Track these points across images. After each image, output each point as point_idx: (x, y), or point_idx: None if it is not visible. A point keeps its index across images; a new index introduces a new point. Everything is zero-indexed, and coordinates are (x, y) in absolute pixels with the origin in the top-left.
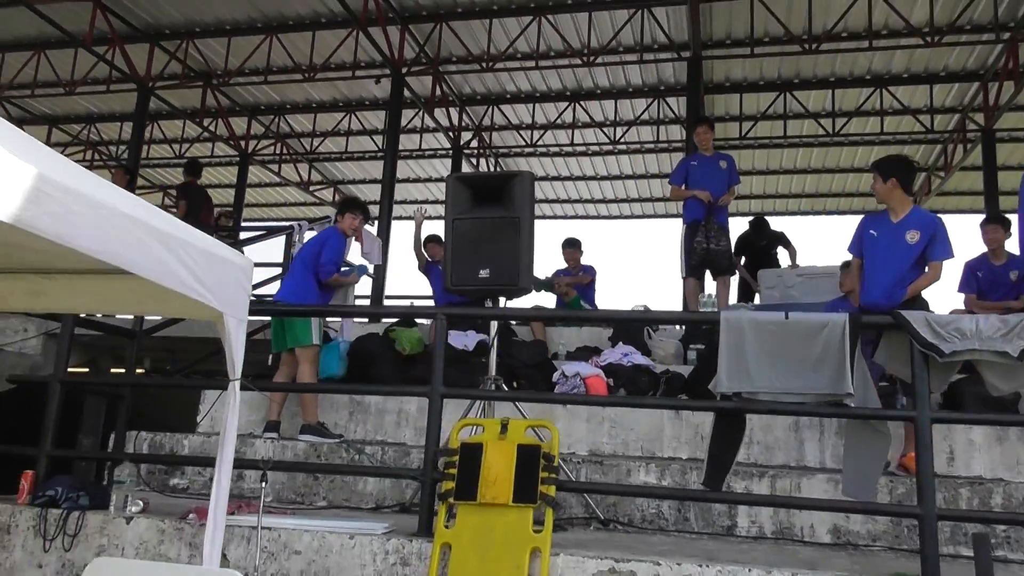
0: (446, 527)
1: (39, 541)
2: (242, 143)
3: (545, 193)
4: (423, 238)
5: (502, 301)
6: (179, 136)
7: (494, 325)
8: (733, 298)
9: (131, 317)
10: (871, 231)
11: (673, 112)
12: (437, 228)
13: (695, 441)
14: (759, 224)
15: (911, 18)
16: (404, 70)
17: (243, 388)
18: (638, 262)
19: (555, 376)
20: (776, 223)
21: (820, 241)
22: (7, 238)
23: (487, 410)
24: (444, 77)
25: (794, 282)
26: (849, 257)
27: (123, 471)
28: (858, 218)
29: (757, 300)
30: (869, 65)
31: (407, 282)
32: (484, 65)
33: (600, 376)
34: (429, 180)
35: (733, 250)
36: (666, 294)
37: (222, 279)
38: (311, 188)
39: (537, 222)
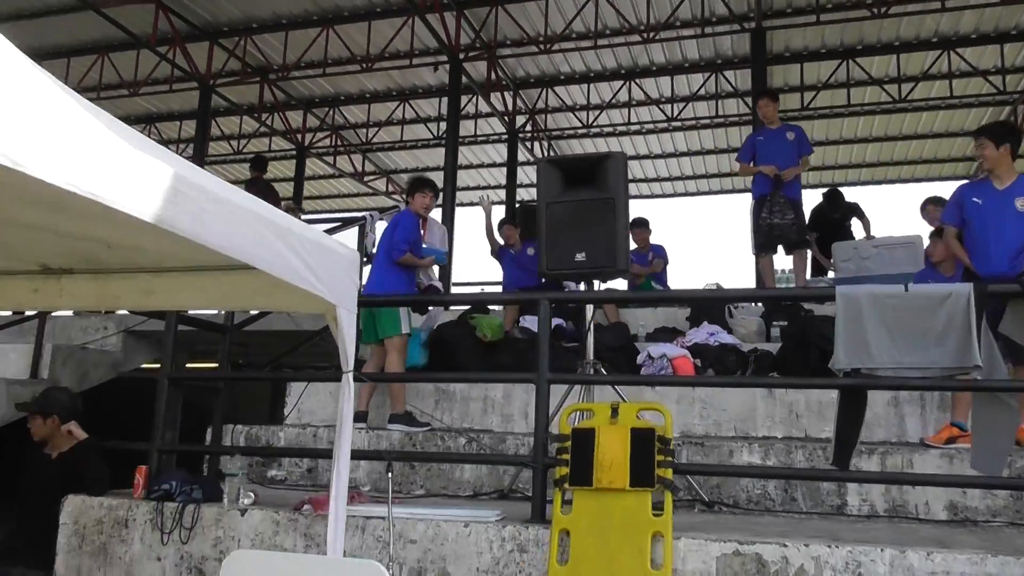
0: (562, 513)
1: (157, 534)
2: (298, 136)
3: None
4: (495, 223)
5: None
6: (236, 132)
7: (590, 309)
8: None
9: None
10: (974, 199)
11: (732, 85)
12: (498, 213)
13: (789, 420)
14: (833, 196)
15: None
16: (461, 56)
17: (356, 380)
18: (702, 239)
19: (640, 358)
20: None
21: (885, 210)
22: (123, 240)
23: (585, 394)
24: (498, 61)
25: (870, 253)
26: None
27: (234, 464)
28: (923, 186)
29: (830, 275)
30: (936, 27)
31: (473, 268)
32: (542, 47)
33: (687, 357)
34: (482, 166)
35: (807, 223)
36: (736, 270)
37: (333, 271)
38: (365, 178)
39: None
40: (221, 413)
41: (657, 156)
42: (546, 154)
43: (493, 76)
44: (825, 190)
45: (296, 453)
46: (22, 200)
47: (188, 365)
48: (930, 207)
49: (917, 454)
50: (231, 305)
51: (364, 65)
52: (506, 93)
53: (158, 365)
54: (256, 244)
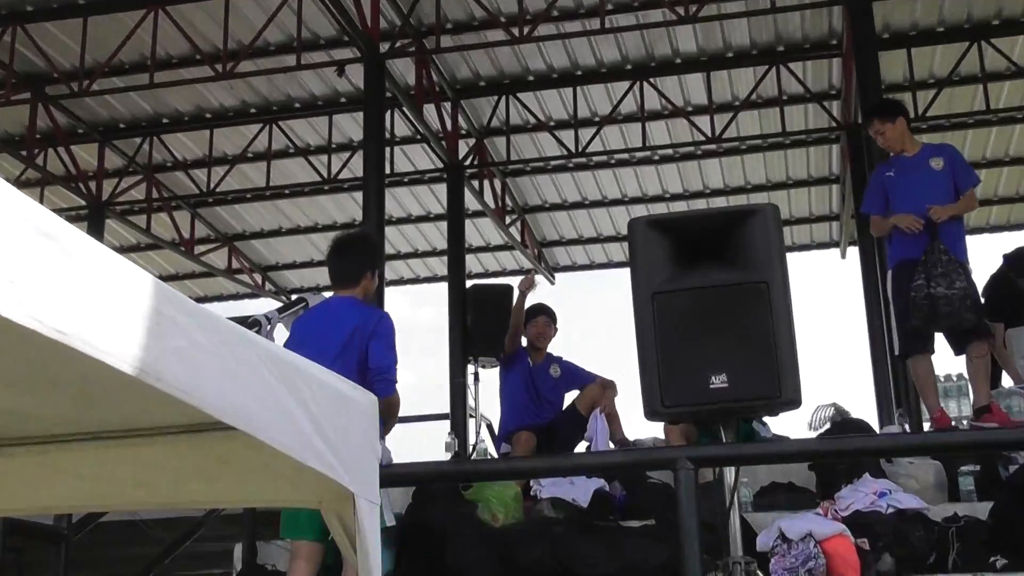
0: None
1: None
2: (91, 184)
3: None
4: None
5: None
6: None
7: (731, 472)
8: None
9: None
10: None
11: (801, 84)
12: (429, 293)
13: None
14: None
15: None
16: (384, 48)
17: None
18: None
19: (765, 540)
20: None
21: None
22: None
23: None
24: (432, 57)
25: None
26: None
27: None
28: None
29: (1007, 384)
30: None
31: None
32: (513, 32)
33: (845, 535)
34: (396, 221)
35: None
36: (836, 368)
37: (350, 434)
38: (195, 249)
39: (605, 274)
40: None
41: (692, 195)
42: (500, 200)
43: (424, 80)
44: (1009, 251)
45: None
46: None
47: None
48: None
49: None
50: (142, 501)
51: (221, 68)
52: (443, 105)
53: None
54: (259, 398)
